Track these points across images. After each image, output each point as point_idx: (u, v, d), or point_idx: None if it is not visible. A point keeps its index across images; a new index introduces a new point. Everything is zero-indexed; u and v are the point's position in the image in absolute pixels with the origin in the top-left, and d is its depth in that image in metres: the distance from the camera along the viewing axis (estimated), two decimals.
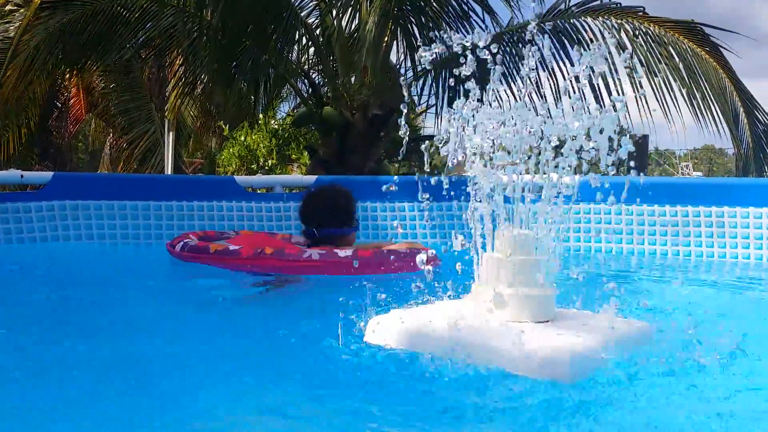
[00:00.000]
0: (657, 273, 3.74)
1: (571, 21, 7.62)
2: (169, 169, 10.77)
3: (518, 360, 1.64)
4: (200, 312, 2.64)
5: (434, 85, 7.82)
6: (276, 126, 10.62)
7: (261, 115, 9.86)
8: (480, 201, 2.03)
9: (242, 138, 10.56)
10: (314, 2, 7.88)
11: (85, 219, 4.49)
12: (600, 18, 7.65)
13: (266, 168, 10.45)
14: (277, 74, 7.98)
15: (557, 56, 7.57)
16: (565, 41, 7.59)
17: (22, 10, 11.30)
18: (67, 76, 11.42)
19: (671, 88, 7.60)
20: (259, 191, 5.20)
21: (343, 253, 3.15)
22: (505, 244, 1.93)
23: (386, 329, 1.91)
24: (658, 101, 7.67)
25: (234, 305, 2.84)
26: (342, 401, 1.61)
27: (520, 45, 7.76)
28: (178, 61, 9.74)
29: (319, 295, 2.97)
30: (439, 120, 7.74)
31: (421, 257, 3.08)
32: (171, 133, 10.62)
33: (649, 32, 7.73)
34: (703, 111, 7.74)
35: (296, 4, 7.61)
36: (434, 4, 7.45)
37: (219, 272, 3.24)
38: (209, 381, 1.77)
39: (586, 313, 1.98)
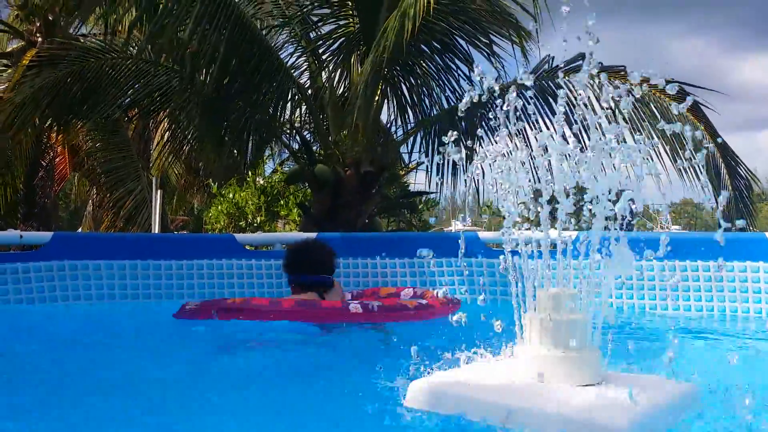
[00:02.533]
0: (686, 330, 3.76)
1: (556, 81, 7.83)
2: (156, 228, 10.72)
3: (572, 426, 1.63)
4: (228, 368, 2.64)
5: (423, 142, 7.95)
6: (264, 183, 10.67)
7: (250, 173, 9.91)
8: (520, 258, 2.05)
9: (231, 195, 10.59)
10: (306, 63, 8.05)
11: (84, 279, 4.46)
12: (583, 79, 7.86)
13: (254, 225, 10.47)
14: (268, 133, 8.08)
15: (542, 113, 7.75)
16: (550, 99, 7.79)
17: (9, 71, 11.42)
18: (53, 134, 11.48)
19: (655, 145, 7.79)
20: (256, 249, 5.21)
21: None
22: (548, 303, 1.94)
23: (428, 394, 1.89)
24: (643, 158, 7.85)
25: (263, 362, 2.84)
26: None
27: (505, 102, 7.94)
28: (164, 120, 9.84)
29: (352, 351, 2.98)
30: (429, 176, 7.86)
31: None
32: (159, 192, 10.61)
33: (632, 92, 7.96)
34: (686, 167, 7.93)
35: (288, 64, 7.75)
36: (422, 65, 7.64)
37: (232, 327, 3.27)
38: None
39: (633, 376, 1.97)
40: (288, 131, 8.18)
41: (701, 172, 8.21)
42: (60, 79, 7.84)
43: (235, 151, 8.38)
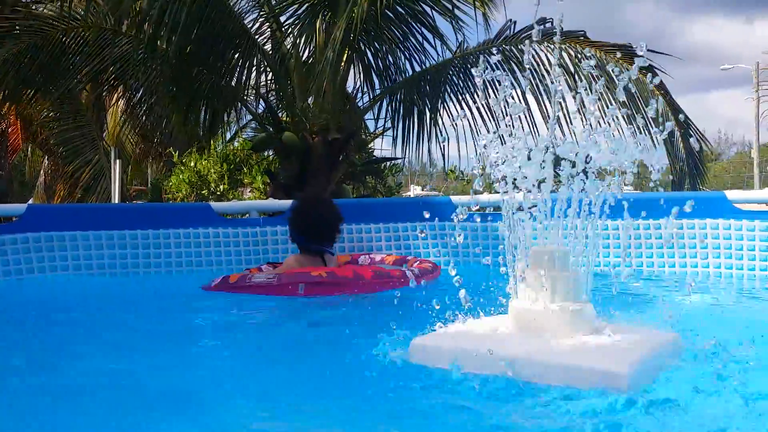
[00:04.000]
0: (661, 285, 3.91)
1: (519, 47, 7.92)
2: (116, 198, 10.59)
3: (574, 373, 1.72)
4: (228, 331, 2.70)
5: (389, 109, 8.00)
6: (226, 151, 10.56)
7: (213, 141, 9.83)
8: (512, 218, 2.14)
9: (192, 164, 10.46)
10: (269, 30, 7.98)
11: (60, 251, 4.44)
12: (545, 43, 7.98)
13: (218, 193, 10.39)
14: (233, 100, 8.03)
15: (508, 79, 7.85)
16: (513, 66, 7.90)
17: None
18: (6, 105, 11.18)
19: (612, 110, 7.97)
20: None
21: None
22: (543, 260, 2.04)
23: (430, 350, 1.97)
24: (599, 122, 8.04)
25: (266, 326, 2.91)
26: (390, 420, 1.66)
27: (470, 68, 8.03)
28: (120, 88, 9.61)
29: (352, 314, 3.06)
30: (395, 143, 7.93)
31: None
32: (118, 161, 10.47)
33: (591, 56, 8.11)
34: (642, 131, 8.15)
35: (252, 30, 7.68)
36: (387, 32, 7.65)
37: (222, 299, 3.33)
38: (246, 400, 1.83)
39: (623, 326, 2.08)
40: (253, 98, 8.14)
41: (656, 137, 8.48)
42: (21, 52, 7.64)
43: (200, 119, 8.32)
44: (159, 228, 4.67)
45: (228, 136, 10.59)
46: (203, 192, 10.69)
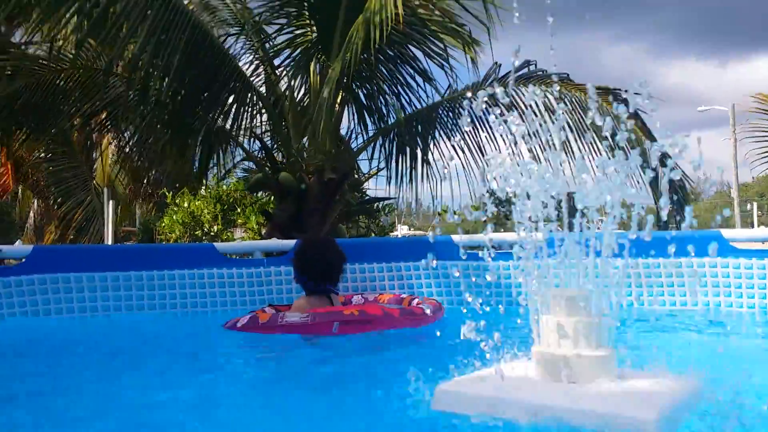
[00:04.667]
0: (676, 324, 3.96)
1: (506, 89, 8.08)
2: (109, 239, 10.59)
3: (602, 420, 1.73)
4: (249, 368, 2.73)
5: (382, 149, 8.13)
6: (219, 191, 10.60)
7: (209, 180, 9.87)
8: (530, 260, 2.18)
9: (185, 204, 10.49)
10: (263, 72, 8.12)
11: (66, 292, 4.46)
12: (531, 85, 8.17)
13: (211, 234, 10.40)
14: (229, 141, 8.12)
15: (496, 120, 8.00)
16: (502, 107, 8.05)
17: None
18: None
19: (597, 149, 8.13)
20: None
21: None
22: (563, 305, 2.08)
23: (455, 396, 1.97)
24: (588, 160, 8.20)
25: (284, 370, 2.93)
26: None
27: (459, 110, 8.20)
28: (110, 128, 9.66)
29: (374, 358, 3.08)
30: (389, 183, 8.04)
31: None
32: (111, 202, 10.49)
33: (574, 98, 8.29)
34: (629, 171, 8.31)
35: (247, 72, 7.82)
36: (380, 75, 7.82)
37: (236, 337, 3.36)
38: None
39: (644, 372, 2.08)
40: (249, 139, 8.24)
41: (642, 176, 8.63)
42: (13, 93, 7.71)
43: (194, 160, 8.39)
44: (164, 269, 4.71)
45: (221, 175, 10.63)
46: (197, 233, 10.71)
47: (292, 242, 5.07)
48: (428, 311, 3.74)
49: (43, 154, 11.49)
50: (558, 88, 7.93)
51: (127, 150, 9.88)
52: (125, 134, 9.37)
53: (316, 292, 3.90)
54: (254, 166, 13.32)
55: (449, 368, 2.24)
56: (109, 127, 8.71)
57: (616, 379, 2.00)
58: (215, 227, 10.67)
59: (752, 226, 28.51)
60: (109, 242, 10.77)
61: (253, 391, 2.53)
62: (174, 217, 10.79)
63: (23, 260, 4.45)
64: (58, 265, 4.45)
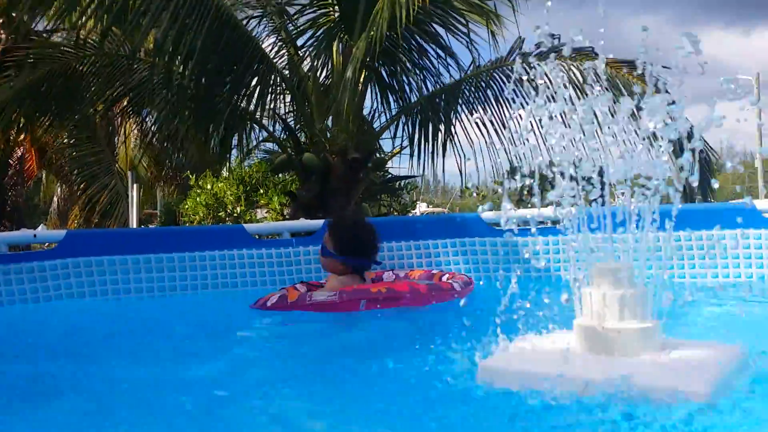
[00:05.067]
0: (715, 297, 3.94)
1: (530, 64, 8.00)
2: (134, 222, 10.71)
3: (652, 393, 1.72)
4: (283, 345, 2.75)
5: (405, 128, 8.11)
6: (242, 173, 10.66)
7: (232, 162, 9.93)
8: (576, 234, 2.18)
9: (209, 186, 10.57)
10: (286, 53, 8.12)
11: (99, 275, 4.52)
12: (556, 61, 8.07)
13: (234, 215, 10.49)
14: (252, 121, 8.14)
15: (519, 96, 7.94)
16: (525, 82, 7.98)
17: None
18: (22, 135, 11.30)
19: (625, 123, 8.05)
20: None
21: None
22: (607, 277, 2.07)
23: (499, 371, 1.97)
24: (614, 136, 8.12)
25: (322, 341, 2.95)
26: None
27: (483, 86, 8.15)
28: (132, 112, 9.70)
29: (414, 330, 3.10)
30: (412, 160, 8.03)
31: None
32: (135, 186, 10.59)
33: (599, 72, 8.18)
34: (653, 143, 8.23)
35: (270, 54, 7.82)
36: (404, 53, 7.78)
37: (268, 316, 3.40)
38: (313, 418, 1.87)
39: (690, 342, 2.07)
40: (271, 120, 8.25)
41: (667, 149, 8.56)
42: (36, 80, 7.77)
43: (218, 142, 8.43)
44: (195, 251, 4.75)
45: (243, 157, 10.67)
46: (220, 214, 10.80)
47: (319, 222, 5.10)
48: (457, 286, 3.75)
49: (66, 140, 11.58)
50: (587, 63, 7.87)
51: (150, 134, 9.97)
52: (148, 119, 9.44)
53: (351, 270, 3.92)
54: (276, 148, 13.40)
55: (488, 343, 2.26)
56: (131, 112, 8.72)
57: (661, 351, 2.00)
58: (238, 208, 10.76)
59: None
60: (134, 225, 10.90)
61: (289, 368, 2.55)
62: (197, 199, 10.90)
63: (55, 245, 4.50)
64: (91, 249, 4.51)
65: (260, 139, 8.91)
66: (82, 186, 11.68)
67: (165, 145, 8.90)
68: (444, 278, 4.06)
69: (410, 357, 2.39)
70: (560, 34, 8.35)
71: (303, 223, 5.05)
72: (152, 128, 9.65)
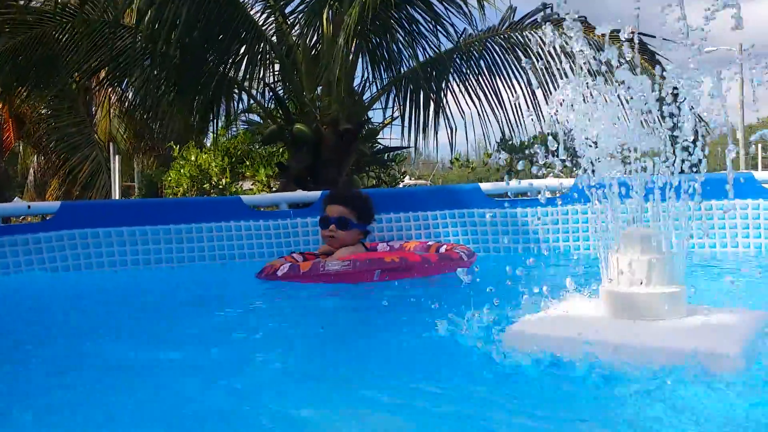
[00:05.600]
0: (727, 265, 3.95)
1: (524, 33, 7.96)
2: (116, 194, 10.55)
3: (683, 356, 1.71)
4: (306, 316, 2.72)
5: (396, 98, 8.02)
6: (227, 144, 10.53)
7: (217, 133, 9.79)
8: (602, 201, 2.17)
9: (193, 158, 10.43)
10: (274, 21, 7.96)
11: (95, 247, 4.44)
12: (548, 30, 8.01)
13: (220, 187, 10.37)
14: (239, 90, 8.01)
15: (513, 67, 7.91)
16: (519, 52, 7.94)
17: None
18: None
19: (617, 94, 8.04)
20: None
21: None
22: (636, 243, 2.07)
23: (528, 337, 1.96)
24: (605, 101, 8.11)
25: (346, 310, 2.92)
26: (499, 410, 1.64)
27: (475, 56, 8.07)
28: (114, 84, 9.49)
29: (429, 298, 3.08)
30: (406, 131, 7.96)
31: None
32: (117, 157, 10.41)
33: (592, 42, 8.14)
34: (645, 116, 8.24)
35: (259, 22, 7.66)
36: (394, 22, 7.67)
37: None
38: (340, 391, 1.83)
39: (715, 309, 2.08)
40: (260, 90, 8.12)
41: (660, 122, 8.58)
42: (15, 47, 7.56)
43: (204, 111, 8.29)
44: (191, 222, 4.68)
45: (227, 127, 10.52)
46: (205, 186, 10.67)
47: (316, 194, 5.05)
48: (464, 256, 3.74)
49: (45, 110, 11.32)
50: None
51: (130, 105, 9.77)
52: (129, 89, 9.23)
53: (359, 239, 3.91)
54: (257, 118, 13.23)
55: (508, 310, 2.26)
56: (112, 83, 8.50)
57: (689, 316, 2.00)
58: (223, 180, 10.64)
59: (757, 168, 28.58)
60: (116, 197, 10.73)
61: (309, 338, 2.52)
62: (181, 171, 10.75)
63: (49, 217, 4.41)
64: (86, 221, 4.42)
65: (245, 108, 8.76)
66: (62, 157, 11.45)
67: (147, 116, 8.70)
68: (442, 249, 4.03)
69: (431, 325, 2.37)
70: (552, 3, 8.28)
71: (300, 194, 4.99)
72: (133, 99, 9.48)
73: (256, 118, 12.98)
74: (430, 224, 5.01)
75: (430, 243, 4.34)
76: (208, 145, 11.31)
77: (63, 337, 2.67)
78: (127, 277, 4.41)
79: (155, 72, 7.84)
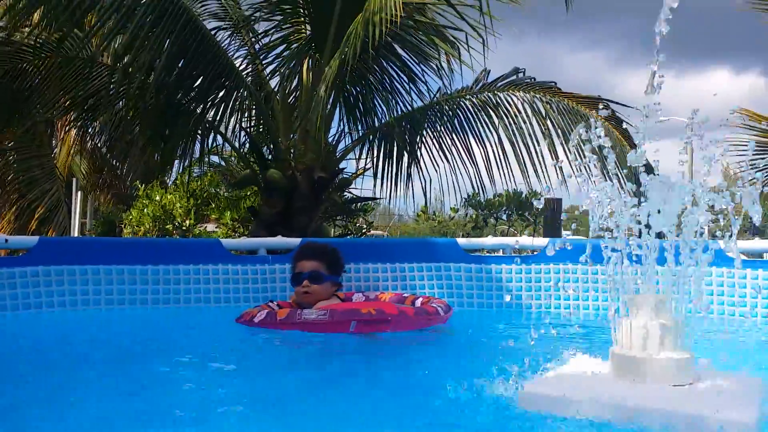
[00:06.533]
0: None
1: (496, 94, 8.21)
2: (75, 230, 10.34)
3: (700, 423, 1.77)
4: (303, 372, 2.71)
5: (370, 150, 8.14)
6: (193, 186, 10.45)
7: (183, 175, 9.73)
8: (615, 266, 2.24)
9: (157, 197, 10.32)
10: (252, 69, 8.06)
11: (70, 285, 4.36)
12: (520, 92, 8.30)
13: (183, 228, 10.25)
14: (213, 132, 8.03)
15: (485, 125, 8.12)
16: (491, 112, 8.17)
17: None
18: None
19: (583, 155, 8.29)
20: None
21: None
22: (645, 308, 2.14)
23: (544, 397, 1.98)
24: (572, 168, 8.35)
25: (338, 365, 2.91)
26: None
27: (449, 113, 8.28)
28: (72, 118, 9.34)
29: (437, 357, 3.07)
30: (378, 182, 8.06)
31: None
32: (78, 192, 10.24)
33: (561, 106, 8.44)
34: (611, 178, 8.52)
35: (239, 68, 7.74)
36: (372, 76, 7.83)
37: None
38: None
39: (721, 373, 2.13)
40: (235, 134, 8.16)
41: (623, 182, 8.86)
42: None
43: (175, 152, 8.26)
44: (169, 263, 4.64)
45: (194, 169, 10.46)
46: (168, 226, 10.54)
47: (296, 240, 5.06)
48: (440, 310, 3.77)
49: (10, 143, 11.11)
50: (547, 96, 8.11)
51: (97, 141, 9.68)
52: (95, 125, 9.13)
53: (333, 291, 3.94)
54: (221, 162, 13.18)
55: (509, 368, 2.30)
56: (87, 120, 8.41)
57: (698, 381, 2.06)
58: (187, 221, 10.53)
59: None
60: (75, 233, 10.53)
61: (287, 391, 2.48)
62: (145, 210, 10.62)
63: (26, 251, 4.33)
64: (63, 257, 4.35)
65: (218, 150, 8.76)
66: (19, 190, 11.20)
67: (111, 154, 8.63)
68: (417, 302, 4.07)
69: (419, 381, 2.39)
70: (525, 68, 8.44)
71: (280, 240, 5.00)
72: (100, 136, 9.39)
73: (219, 161, 12.97)
74: (407, 276, 5.05)
75: (405, 295, 4.37)
76: (170, 184, 11.24)
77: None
78: (102, 316, 4.33)
79: (129, 111, 7.81)
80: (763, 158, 6.83)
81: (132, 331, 4.14)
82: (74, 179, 10.86)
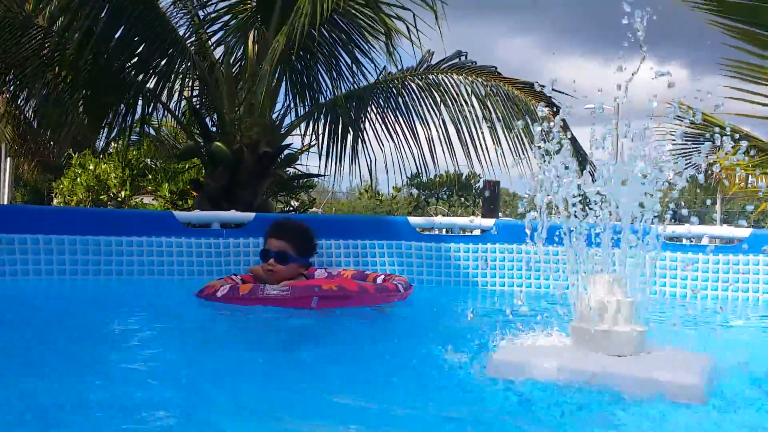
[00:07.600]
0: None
1: (439, 76, 8.35)
2: (5, 198, 9.99)
3: (653, 386, 1.96)
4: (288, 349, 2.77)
5: (315, 126, 8.17)
6: (129, 156, 10.24)
7: (119, 144, 9.49)
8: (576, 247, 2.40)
9: (91, 167, 10.07)
10: (197, 39, 7.94)
11: (21, 254, 4.29)
12: (463, 75, 8.46)
13: (118, 199, 10.06)
14: (154, 101, 7.89)
15: (429, 106, 8.26)
16: (434, 93, 8.31)
17: None
18: None
19: (522, 141, 8.55)
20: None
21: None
22: (604, 286, 2.31)
23: (511, 364, 2.13)
24: (511, 152, 8.59)
25: (306, 338, 2.98)
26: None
27: (394, 93, 8.37)
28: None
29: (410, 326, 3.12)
30: (323, 159, 8.10)
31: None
32: (9, 159, 9.89)
33: (500, 90, 8.65)
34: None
35: (183, 38, 7.62)
36: (319, 51, 7.84)
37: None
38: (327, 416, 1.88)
39: (671, 349, 2.32)
40: (179, 105, 8.04)
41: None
42: None
43: (113, 120, 8.07)
44: (122, 235, 4.61)
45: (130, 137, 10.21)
46: (102, 197, 10.31)
47: (250, 215, 5.09)
48: (401, 287, 3.88)
49: None
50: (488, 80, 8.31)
51: (25, 108, 9.31)
52: (24, 91, 8.80)
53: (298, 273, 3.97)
54: (155, 133, 12.92)
55: (474, 341, 2.45)
56: (21, 85, 8.09)
57: (652, 352, 2.25)
58: (123, 192, 10.34)
59: None
60: (5, 201, 10.17)
61: (259, 363, 2.49)
62: (78, 179, 10.35)
63: None
64: (15, 226, 4.27)
65: (158, 119, 8.61)
66: None
67: (41, 120, 8.37)
68: (379, 279, 4.17)
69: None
70: (467, 52, 8.57)
71: (233, 214, 5.03)
72: (28, 103, 9.05)
73: (153, 132, 12.70)
74: (359, 252, 5.16)
75: (367, 272, 4.46)
76: (104, 153, 10.94)
77: None
78: (54, 286, 4.29)
79: (67, 79, 7.59)
80: (692, 150, 7.22)
81: (87, 301, 4.11)
82: (3, 145, 10.45)
